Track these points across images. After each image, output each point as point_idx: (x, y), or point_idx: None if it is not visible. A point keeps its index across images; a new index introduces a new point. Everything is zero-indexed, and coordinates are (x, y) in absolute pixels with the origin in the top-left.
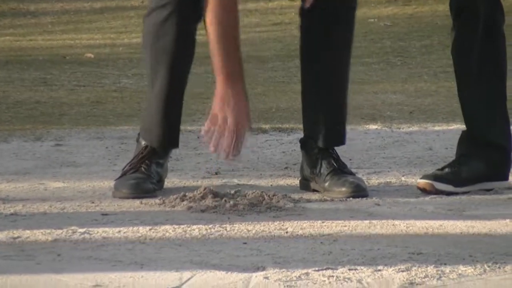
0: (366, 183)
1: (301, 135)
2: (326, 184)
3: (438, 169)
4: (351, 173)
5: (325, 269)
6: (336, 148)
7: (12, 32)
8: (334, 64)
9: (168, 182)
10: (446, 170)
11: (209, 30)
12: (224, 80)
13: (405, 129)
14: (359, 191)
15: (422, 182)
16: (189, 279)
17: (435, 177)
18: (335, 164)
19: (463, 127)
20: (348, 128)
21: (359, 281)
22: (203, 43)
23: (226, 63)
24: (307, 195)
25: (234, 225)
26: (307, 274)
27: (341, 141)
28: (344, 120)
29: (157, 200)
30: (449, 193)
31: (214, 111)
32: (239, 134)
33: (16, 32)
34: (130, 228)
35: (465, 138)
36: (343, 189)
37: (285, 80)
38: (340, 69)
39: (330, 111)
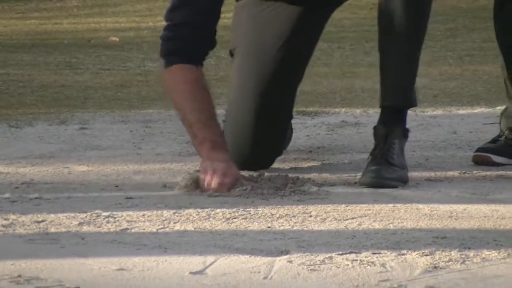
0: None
1: (325, 118)
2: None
3: (490, 142)
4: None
5: (349, 253)
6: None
7: (38, 15)
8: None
9: (192, 166)
10: (498, 142)
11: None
12: (203, 155)
13: (430, 112)
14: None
15: (479, 154)
16: (212, 263)
17: (493, 150)
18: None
19: (487, 110)
20: (372, 111)
21: (383, 265)
22: (225, 26)
23: (199, 131)
24: (331, 179)
25: (258, 209)
26: (330, 258)
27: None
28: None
29: None
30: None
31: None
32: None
33: (41, 16)
34: (154, 212)
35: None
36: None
37: (309, 64)
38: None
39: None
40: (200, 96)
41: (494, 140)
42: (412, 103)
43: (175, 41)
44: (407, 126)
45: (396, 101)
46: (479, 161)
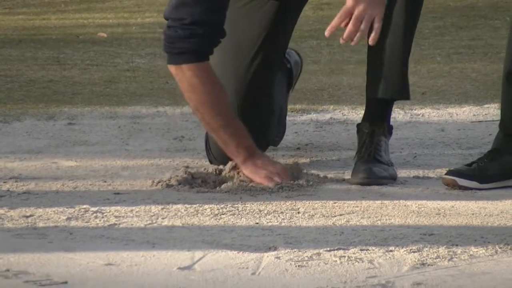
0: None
1: (314, 115)
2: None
3: (467, 164)
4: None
5: (337, 249)
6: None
7: (25, 11)
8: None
9: (180, 162)
10: (474, 165)
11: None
12: (243, 158)
13: (418, 110)
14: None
15: (446, 178)
16: (200, 258)
17: (460, 173)
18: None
19: (476, 108)
20: (360, 108)
21: (371, 261)
22: None
23: (229, 138)
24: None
25: (246, 205)
26: (318, 254)
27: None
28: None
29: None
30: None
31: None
32: None
33: (29, 11)
34: (142, 207)
35: (499, 131)
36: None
37: None
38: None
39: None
40: (217, 97)
41: (470, 164)
42: (403, 95)
43: (190, 39)
44: (392, 123)
45: (384, 94)
46: (449, 184)
